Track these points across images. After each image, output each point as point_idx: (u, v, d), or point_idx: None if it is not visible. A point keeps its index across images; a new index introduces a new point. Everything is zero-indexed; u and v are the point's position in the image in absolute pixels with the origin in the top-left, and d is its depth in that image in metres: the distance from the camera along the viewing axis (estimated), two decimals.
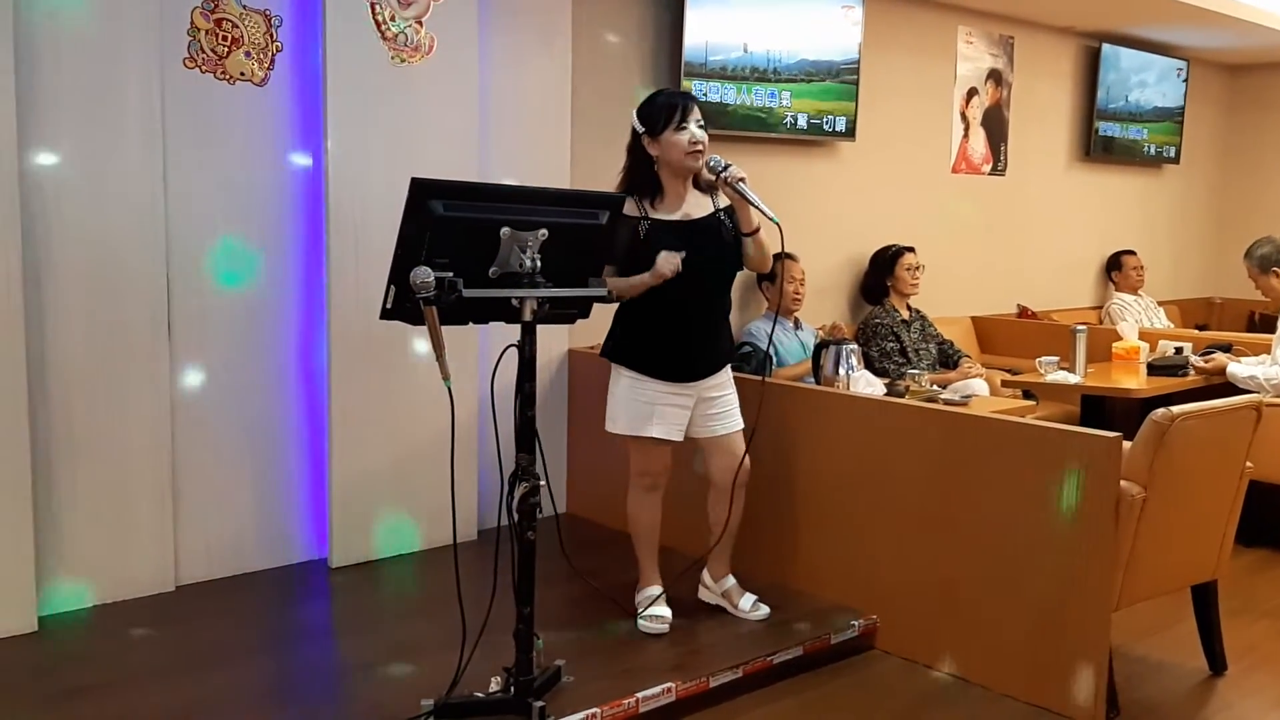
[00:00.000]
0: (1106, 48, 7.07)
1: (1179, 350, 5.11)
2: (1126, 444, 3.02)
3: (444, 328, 2.56)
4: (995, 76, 6.55)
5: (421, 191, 2.53)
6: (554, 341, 4.50)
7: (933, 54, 6.19)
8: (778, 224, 3.07)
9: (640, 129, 3.24)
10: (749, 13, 5.10)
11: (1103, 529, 2.97)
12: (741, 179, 3.17)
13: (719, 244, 3.29)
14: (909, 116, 6.11)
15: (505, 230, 2.63)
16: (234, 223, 3.76)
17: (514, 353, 2.71)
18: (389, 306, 2.62)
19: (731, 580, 3.53)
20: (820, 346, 4.21)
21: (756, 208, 3.16)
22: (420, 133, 3.99)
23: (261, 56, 3.76)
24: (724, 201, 3.32)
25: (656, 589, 3.46)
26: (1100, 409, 4.92)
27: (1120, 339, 5.36)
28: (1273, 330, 4.74)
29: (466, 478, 4.21)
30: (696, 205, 3.32)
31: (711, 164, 3.20)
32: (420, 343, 4.02)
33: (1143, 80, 7.38)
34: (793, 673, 3.27)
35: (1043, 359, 4.93)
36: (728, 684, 3.12)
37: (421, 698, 2.76)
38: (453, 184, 2.78)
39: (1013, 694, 3.17)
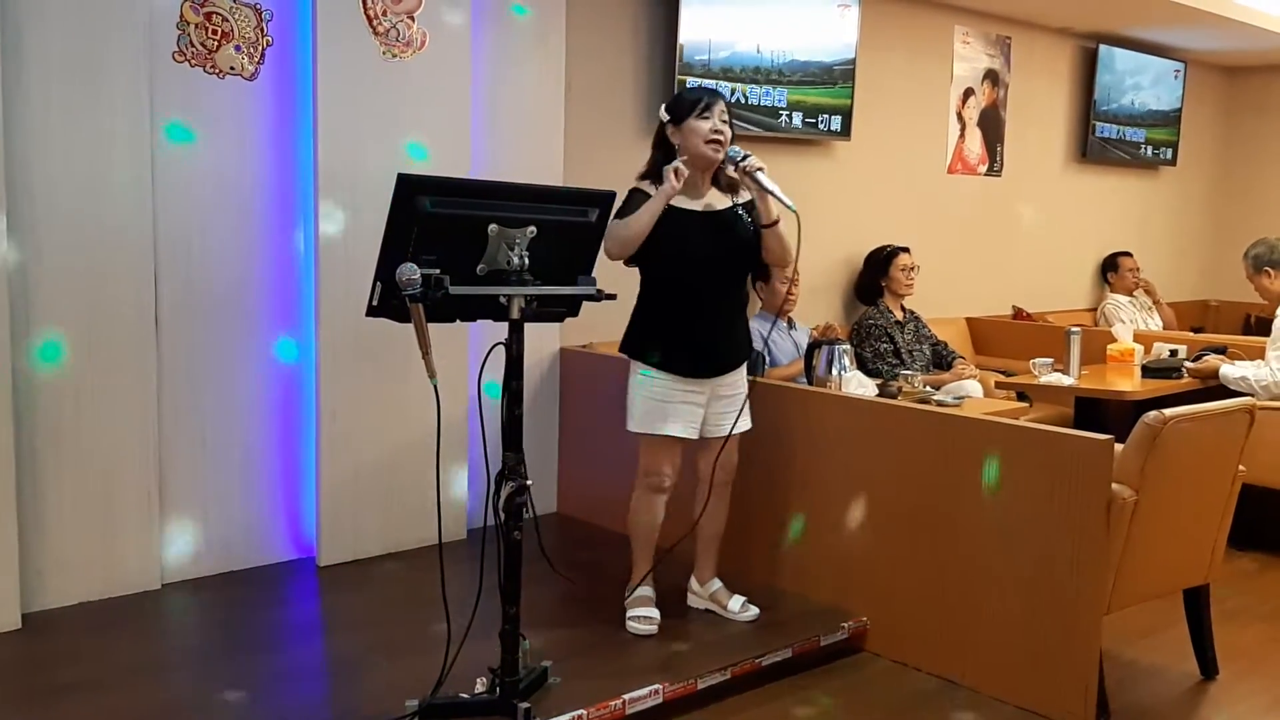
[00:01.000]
0: (1103, 49, 7.05)
1: (1174, 353, 5.10)
2: (1119, 446, 3.01)
3: (432, 325, 2.54)
4: (992, 77, 6.53)
5: (408, 187, 2.51)
6: (545, 340, 4.48)
7: (929, 54, 6.17)
8: (796, 213, 3.10)
9: (666, 118, 3.28)
10: (744, 11, 5.07)
11: (1094, 532, 2.95)
12: (760, 168, 3.20)
13: (736, 237, 3.31)
14: (905, 116, 6.09)
15: (493, 227, 2.61)
16: (222, 219, 3.74)
17: (501, 351, 2.69)
18: (375, 304, 2.61)
19: (718, 583, 3.52)
20: (813, 346, 4.21)
21: (775, 196, 3.19)
22: (412, 129, 3.97)
23: (252, 51, 3.74)
24: (744, 199, 3.34)
25: (647, 590, 3.44)
26: (1095, 411, 4.90)
27: (1115, 341, 5.35)
28: (1268, 333, 4.73)
29: (455, 476, 4.19)
30: (716, 200, 3.34)
31: (730, 153, 3.25)
32: (410, 340, 3.99)
33: (1139, 82, 7.36)
34: (782, 675, 3.25)
35: (1037, 360, 4.91)
36: (716, 686, 3.10)
37: (406, 698, 2.74)
38: (440, 180, 2.77)
39: (1003, 697, 3.15)
